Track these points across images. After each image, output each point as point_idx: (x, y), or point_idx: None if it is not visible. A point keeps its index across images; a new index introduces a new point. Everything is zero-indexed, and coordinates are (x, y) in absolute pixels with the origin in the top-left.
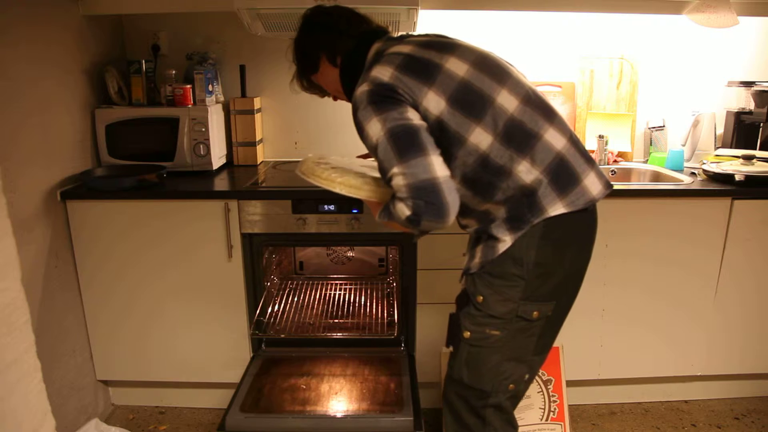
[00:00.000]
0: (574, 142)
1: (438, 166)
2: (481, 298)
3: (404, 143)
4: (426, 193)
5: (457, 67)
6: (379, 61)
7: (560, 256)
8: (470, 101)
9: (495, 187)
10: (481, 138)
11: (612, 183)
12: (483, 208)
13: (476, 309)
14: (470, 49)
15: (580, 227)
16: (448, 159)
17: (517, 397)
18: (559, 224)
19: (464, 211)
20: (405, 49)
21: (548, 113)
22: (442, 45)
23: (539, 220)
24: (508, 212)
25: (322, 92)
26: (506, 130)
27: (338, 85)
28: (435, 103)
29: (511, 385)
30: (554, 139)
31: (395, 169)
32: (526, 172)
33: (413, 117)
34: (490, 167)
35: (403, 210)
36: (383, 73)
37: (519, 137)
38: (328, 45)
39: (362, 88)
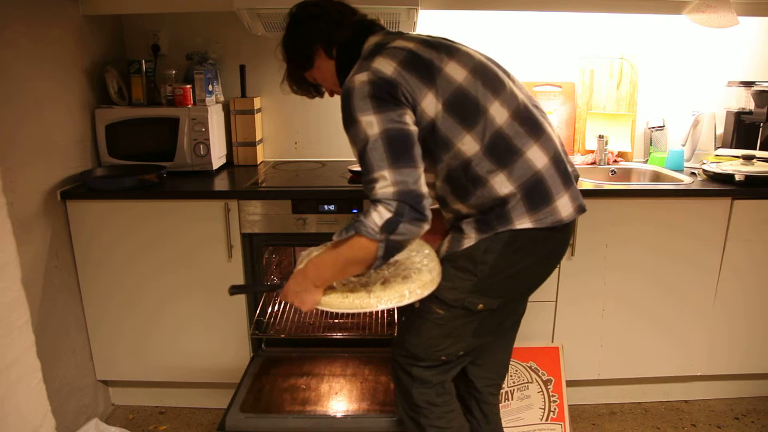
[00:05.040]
0: (557, 162)
1: (424, 183)
2: None
3: (399, 149)
4: (413, 200)
5: (456, 72)
6: (381, 53)
7: (518, 264)
8: (464, 109)
9: (469, 192)
10: (468, 146)
11: (585, 207)
12: (456, 206)
13: None
14: (470, 54)
15: (545, 243)
16: (434, 160)
17: (450, 365)
18: (524, 236)
19: (443, 204)
20: (408, 45)
21: (536, 129)
22: (445, 47)
23: (505, 230)
24: (477, 215)
25: (313, 93)
26: (492, 142)
27: (335, 78)
28: (432, 105)
29: (443, 357)
30: (536, 157)
31: (385, 173)
32: (502, 184)
33: (410, 121)
34: (469, 174)
35: (382, 213)
36: (386, 66)
37: (502, 151)
38: (324, 35)
39: (361, 77)
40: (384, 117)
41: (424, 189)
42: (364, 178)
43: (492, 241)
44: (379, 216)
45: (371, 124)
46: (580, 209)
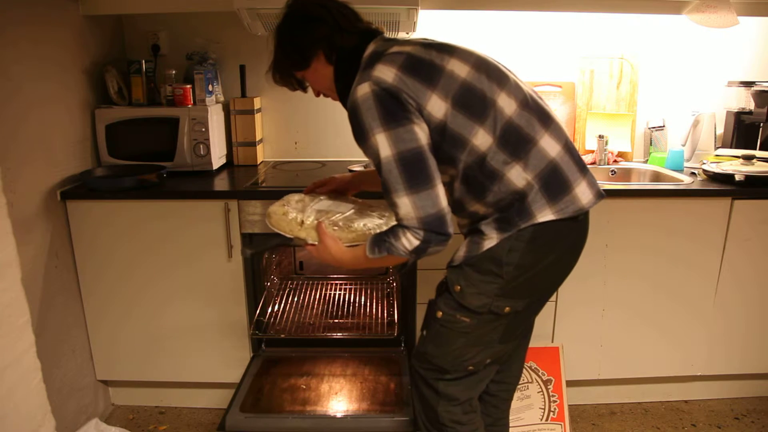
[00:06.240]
0: (569, 149)
1: (443, 197)
2: (459, 288)
3: (414, 171)
4: (436, 225)
5: (458, 68)
6: (380, 59)
7: (543, 260)
8: (473, 103)
9: (486, 188)
10: (482, 140)
11: (603, 192)
12: (474, 207)
13: (451, 296)
14: (469, 51)
15: (568, 235)
16: (454, 162)
17: (477, 377)
18: (548, 231)
19: (460, 209)
20: (406, 48)
21: (545, 118)
22: (443, 47)
23: (527, 225)
24: (497, 213)
25: (295, 86)
26: (503, 133)
27: (331, 83)
28: (438, 106)
29: (470, 367)
30: (549, 145)
31: (405, 199)
32: (518, 176)
33: (420, 135)
34: (484, 169)
35: (411, 240)
36: (386, 73)
37: (515, 142)
38: (327, 41)
39: (364, 89)
40: (394, 135)
41: (444, 204)
42: (384, 195)
43: (515, 239)
44: (409, 243)
45: (382, 144)
46: (599, 195)
